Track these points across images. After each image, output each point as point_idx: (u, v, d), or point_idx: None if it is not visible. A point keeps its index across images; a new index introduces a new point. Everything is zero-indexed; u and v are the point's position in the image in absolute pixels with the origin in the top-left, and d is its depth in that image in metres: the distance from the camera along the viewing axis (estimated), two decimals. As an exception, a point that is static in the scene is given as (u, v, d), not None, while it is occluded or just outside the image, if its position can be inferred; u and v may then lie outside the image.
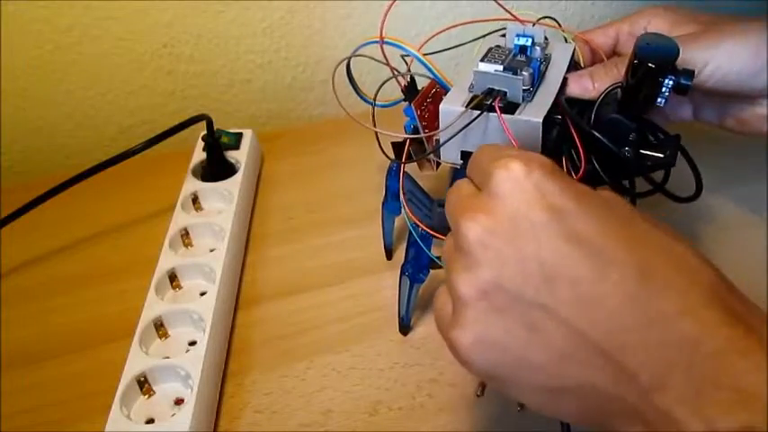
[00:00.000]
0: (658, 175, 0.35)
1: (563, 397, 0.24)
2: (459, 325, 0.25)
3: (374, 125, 0.39)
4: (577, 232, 0.23)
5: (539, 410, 0.25)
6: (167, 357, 0.37)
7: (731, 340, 0.21)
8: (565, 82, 0.35)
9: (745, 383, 0.20)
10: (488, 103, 0.32)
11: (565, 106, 0.34)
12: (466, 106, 0.33)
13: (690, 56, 0.35)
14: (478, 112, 0.32)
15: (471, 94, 0.34)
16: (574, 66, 0.38)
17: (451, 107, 0.33)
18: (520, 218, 0.24)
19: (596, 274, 0.23)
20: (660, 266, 0.23)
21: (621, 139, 0.34)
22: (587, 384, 0.23)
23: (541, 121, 0.32)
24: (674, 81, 0.32)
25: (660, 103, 0.33)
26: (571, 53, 0.37)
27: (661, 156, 0.34)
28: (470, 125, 0.33)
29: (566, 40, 0.40)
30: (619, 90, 0.34)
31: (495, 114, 0.32)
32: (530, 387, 0.25)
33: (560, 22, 0.40)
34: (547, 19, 0.39)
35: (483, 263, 0.24)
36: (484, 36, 0.39)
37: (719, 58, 0.36)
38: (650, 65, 0.32)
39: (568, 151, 0.34)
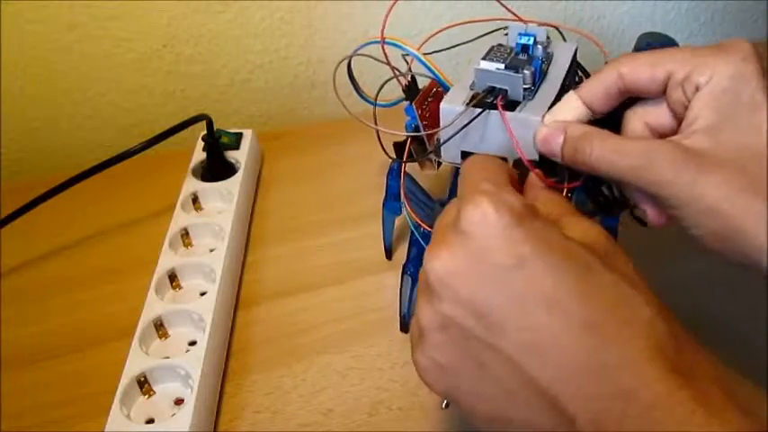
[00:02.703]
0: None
1: (508, 427, 0.25)
2: (420, 349, 0.26)
3: (375, 124, 0.39)
4: (534, 283, 0.24)
5: None
6: (167, 357, 0.37)
7: (665, 395, 0.22)
8: (565, 82, 0.35)
9: None
10: (489, 101, 0.32)
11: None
12: (467, 104, 0.33)
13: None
14: (479, 110, 0.32)
15: (472, 93, 0.34)
16: (576, 67, 0.38)
17: (452, 106, 0.33)
18: (481, 261, 0.25)
19: (546, 325, 0.23)
20: (608, 320, 0.23)
21: None
22: (530, 420, 0.24)
23: (541, 119, 0.32)
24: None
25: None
26: (573, 52, 0.37)
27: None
28: (471, 124, 0.33)
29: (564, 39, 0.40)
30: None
31: (495, 113, 0.32)
32: (479, 413, 0.26)
33: (560, 22, 0.40)
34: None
35: (442, 298, 0.25)
36: (485, 35, 0.39)
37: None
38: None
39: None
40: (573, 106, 0.31)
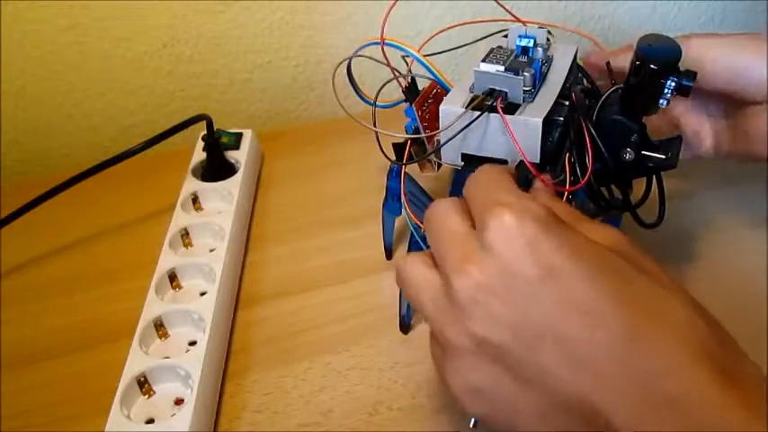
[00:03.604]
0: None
1: None
2: (454, 372, 0.26)
3: (375, 126, 0.39)
4: (568, 292, 0.24)
5: None
6: (167, 357, 0.37)
7: (715, 398, 0.21)
8: (565, 83, 0.35)
9: None
10: (489, 103, 0.32)
11: (579, 96, 0.34)
12: (466, 106, 0.33)
13: (694, 49, 0.36)
14: (478, 112, 0.32)
15: (472, 95, 0.34)
16: (576, 68, 0.38)
17: (451, 108, 0.33)
18: (512, 275, 0.24)
19: (584, 334, 0.23)
20: (648, 325, 0.23)
21: (623, 141, 0.34)
22: None
23: (541, 121, 0.32)
24: (675, 82, 0.32)
25: (662, 104, 0.33)
26: (573, 55, 0.37)
27: (663, 157, 0.34)
28: (471, 126, 0.33)
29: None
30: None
31: (495, 115, 0.32)
32: (518, 430, 0.25)
33: (561, 22, 0.40)
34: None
35: (474, 317, 0.25)
36: (485, 37, 0.39)
37: (721, 48, 0.36)
38: (652, 66, 0.32)
39: (578, 151, 0.33)
40: None
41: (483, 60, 0.33)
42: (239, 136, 0.54)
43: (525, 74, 0.33)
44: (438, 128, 0.34)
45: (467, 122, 0.32)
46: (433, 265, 0.27)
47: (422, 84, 0.39)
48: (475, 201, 0.27)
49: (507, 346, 0.24)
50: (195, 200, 0.49)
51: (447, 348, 0.26)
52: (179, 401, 0.35)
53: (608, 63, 0.38)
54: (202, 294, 0.41)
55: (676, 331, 0.23)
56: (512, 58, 0.34)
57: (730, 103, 0.39)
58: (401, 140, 0.39)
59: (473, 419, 0.27)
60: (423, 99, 0.38)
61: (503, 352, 0.24)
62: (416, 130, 0.37)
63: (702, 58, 0.36)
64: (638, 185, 0.37)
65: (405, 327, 0.41)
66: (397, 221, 0.45)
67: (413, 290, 0.28)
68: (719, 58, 0.37)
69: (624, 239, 0.26)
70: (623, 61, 0.37)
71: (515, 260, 0.24)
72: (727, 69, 0.37)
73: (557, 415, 0.24)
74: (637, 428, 0.22)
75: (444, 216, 0.27)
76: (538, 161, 0.32)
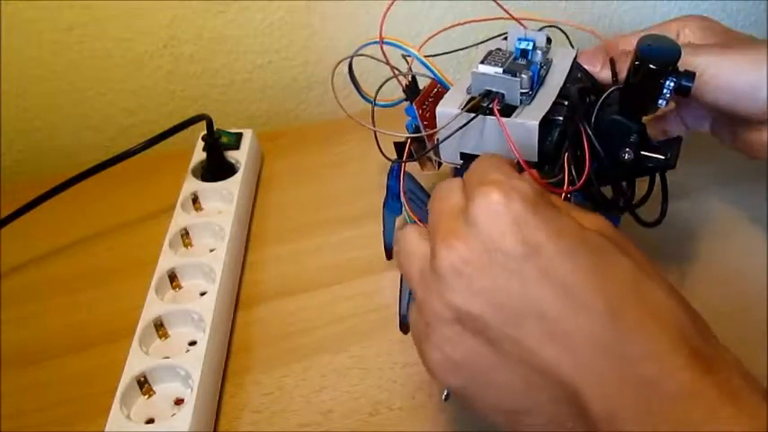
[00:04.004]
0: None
1: (521, 418, 0.25)
2: (431, 342, 0.26)
3: (374, 125, 0.39)
4: (550, 270, 0.24)
5: (497, 427, 0.26)
6: (167, 357, 0.37)
7: (689, 383, 0.21)
8: (564, 85, 0.35)
9: (696, 424, 0.21)
10: (485, 105, 0.32)
11: (577, 97, 0.34)
12: (462, 108, 0.33)
13: (695, 61, 0.36)
14: (474, 114, 0.32)
15: (469, 96, 0.34)
16: (577, 69, 0.38)
17: (447, 109, 0.33)
18: (494, 249, 0.24)
19: (565, 313, 0.23)
20: (630, 309, 0.23)
21: (622, 141, 0.34)
22: (548, 411, 0.24)
23: (537, 124, 0.32)
24: (674, 82, 0.32)
25: (661, 104, 0.33)
26: (573, 58, 0.37)
27: (662, 157, 0.34)
28: (469, 126, 0.33)
29: (572, 45, 0.40)
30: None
31: (492, 117, 0.32)
32: (491, 406, 0.26)
33: (560, 21, 0.40)
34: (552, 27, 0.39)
35: (456, 289, 0.25)
36: (486, 41, 0.39)
37: (722, 66, 0.36)
38: (651, 66, 0.32)
39: (574, 152, 0.34)
40: None
41: (481, 62, 0.33)
42: (239, 136, 0.54)
43: (523, 76, 0.33)
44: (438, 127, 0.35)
45: (463, 123, 0.32)
46: (426, 238, 0.28)
47: (423, 82, 0.39)
48: (470, 181, 0.27)
49: (487, 320, 0.24)
50: (195, 200, 0.49)
51: (428, 319, 0.26)
52: (179, 401, 0.36)
53: (611, 59, 0.38)
54: (202, 294, 0.41)
55: (657, 316, 0.23)
56: (510, 60, 0.34)
57: (731, 117, 0.39)
58: (402, 139, 0.39)
59: (446, 392, 0.28)
60: (423, 98, 0.38)
61: (483, 325, 0.24)
62: (417, 129, 0.37)
63: (703, 77, 0.36)
64: (640, 185, 0.37)
65: (405, 327, 0.41)
66: (398, 221, 0.45)
67: (404, 259, 0.28)
68: (721, 79, 0.36)
69: (610, 225, 0.27)
70: (629, 44, 0.38)
71: (499, 236, 0.24)
72: (730, 92, 0.36)
73: (535, 391, 0.24)
74: (611, 411, 0.22)
75: (444, 194, 0.28)
76: (536, 161, 0.32)
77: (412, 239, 0.28)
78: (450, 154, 0.35)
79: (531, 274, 0.24)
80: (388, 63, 0.38)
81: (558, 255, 0.24)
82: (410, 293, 0.39)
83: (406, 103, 0.39)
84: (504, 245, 0.24)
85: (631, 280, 0.24)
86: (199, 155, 0.52)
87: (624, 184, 0.36)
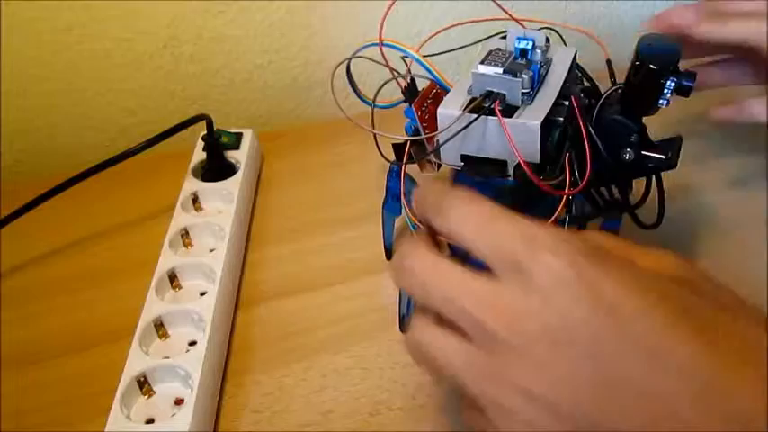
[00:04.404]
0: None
1: None
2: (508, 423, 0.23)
3: (373, 127, 0.39)
4: (637, 333, 0.21)
5: None
6: (167, 357, 0.37)
7: None
8: (564, 85, 0.35)
9: None
10: (486, 106, 0.32)
11: (578, 97, 0.34)
12: (464, 110, 0.33)
13: None
14: (475, 115, 0.32)
15: (470, 97, 0.34)
16: (576, 69, 0.38)
17: (449, 111, 0.33)
18: (569, 320, 0.22)
19: (665, 385, 0.21)
20: (725, 368, 0.21)
21: (623, 141, 0.34)
22: None
23: (540, 124, 0.32)
24: (675, 82, 0.32)
25: (662, 104, 0.33)
26: (573, 57, 0.37)
27: (663, 157, 0.34)
28: (470, 127, 0.33)
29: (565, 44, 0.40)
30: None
31: (494, 117, 0.32)
32: None
33: (561, 23, 0.40)
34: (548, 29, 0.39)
35: (532, 379, 0.22)
36: (485, 39, 0.39)
37: None
38: (652, 66, 0.32)
39: (577, 152, 0.33)
40: None
41: (481, 62, 0.33)
42: (239, 136, 0.54)
43: (524, 76, 0.32)
44: (437, 128, 0.34)
45: (464, 125, 0.32)
46: (448, 328, 0.25)
47: (422, 84, 0.39)
48: (487, 248, 0.24)
49: (571, 404, 0.22)
50: (195, 200, 0.49)
51: (494, 414, 0.23)
52: (179, 401, 0.36)
53: (608, 61, 0.38)
54: (202, 294, 0.41)
55: (755, 363, 0.21)
56: (510, 60, 0.34)
57: None
58: (401, 141, 0.39)
59: None
60: (422, 99, 0.38)
61: (565, 411, 0.22)
62: (416, 131, 0.37)
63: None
64: (638, 185, 0.37)
65: (405, 326, 0.41)
66: (398, 222, 0.45)
67: (441, 359, 0.25)
68: None
69: (680, 262, 0.24)
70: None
71: (571, 303, 0.22)
72: None
73: None
74: None
75: (438, 270, 0.25)
76: (538, 162, 0.32)
77: (436, 338, 0.25)
78: (450, 156, 0.35)
79: (617, 342, 0.21)
80: (387, 65, 0.38)
81: (642, 313, 0.21)
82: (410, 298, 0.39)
83: (405, 105, 0.39)
84: (577, 313, 0.21)
85: (720, 330, 0.22)
86: (199, 155, 0.52)
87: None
